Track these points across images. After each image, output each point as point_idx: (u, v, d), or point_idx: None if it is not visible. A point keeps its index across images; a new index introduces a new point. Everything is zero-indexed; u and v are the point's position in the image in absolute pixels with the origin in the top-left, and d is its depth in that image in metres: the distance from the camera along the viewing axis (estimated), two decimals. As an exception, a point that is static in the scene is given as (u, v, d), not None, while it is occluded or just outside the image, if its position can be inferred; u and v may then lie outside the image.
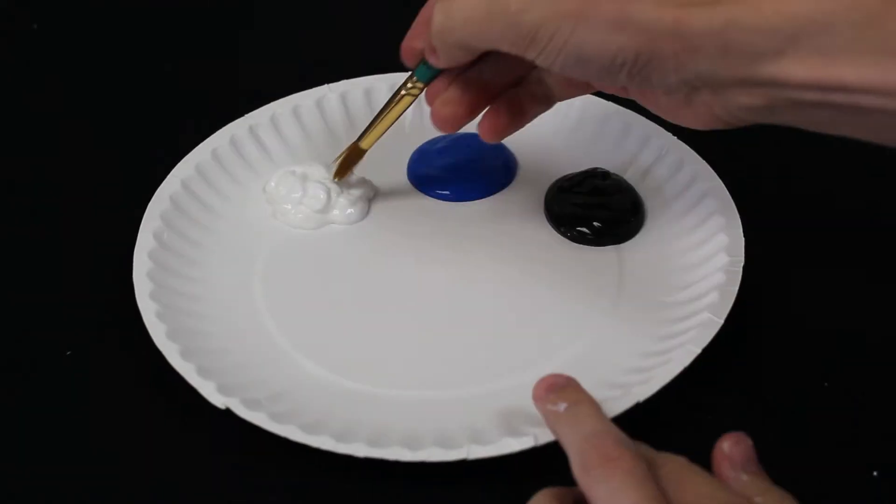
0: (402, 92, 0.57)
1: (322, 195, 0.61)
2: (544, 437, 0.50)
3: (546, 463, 0.49)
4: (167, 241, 0.60)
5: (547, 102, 0.57)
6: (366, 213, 0.63)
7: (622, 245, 0.60)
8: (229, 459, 0.53)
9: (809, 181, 0.64)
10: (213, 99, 0.70)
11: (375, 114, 0.60)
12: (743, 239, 0.58)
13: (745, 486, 0.44)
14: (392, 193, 0.64)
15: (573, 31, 0.47)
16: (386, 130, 0.59)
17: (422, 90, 0.56)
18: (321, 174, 0.62)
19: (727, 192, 0.60)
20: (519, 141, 0.64)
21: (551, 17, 0.47)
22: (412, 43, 0.55)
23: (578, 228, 0.60)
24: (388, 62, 0.68)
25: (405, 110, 0.58)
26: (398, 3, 0.76)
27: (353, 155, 0.61)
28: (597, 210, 0.61)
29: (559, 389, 0.49)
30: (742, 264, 0.57)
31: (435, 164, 0.64)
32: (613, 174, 0.62)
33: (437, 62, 0.54)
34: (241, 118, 0.65)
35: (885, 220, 0.62)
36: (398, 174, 0.64)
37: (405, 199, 0.63)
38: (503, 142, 0.64)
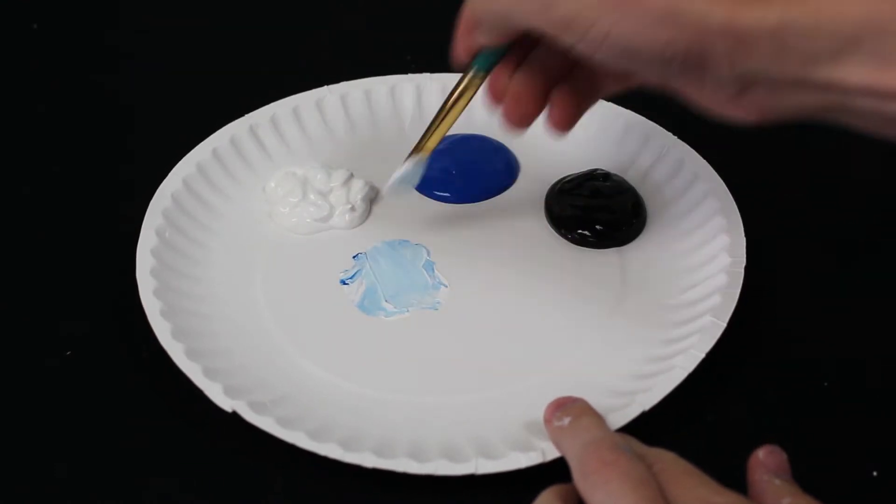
0: (464, 83, 0.54)
1: (323, 205, 0.61)
2: (552, 452, 0.50)
3: (551, 469, 0.49)
4: (169, 239, 0.60)
5: (592, 96, 0.54)
6: (367, 215, 0.63)
7: (623, 247, 0.60)
8: (231, 460, 0.53)
9: (811, 180, 0.64)
10: (214, 98, 0.70)
11: (434, 114, 0.57)
12: (745, 239, 0.58)
13: (776, 488, 0.45)
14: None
15: (616, 22, 0.44)
16: (449, 129, 0.57)
17: (482, 80, 0.54)
18: (322, 180, 0.62)
19: (728, 193, 0.60)
20: (519, 142, 0.64)
21: (590, 6, 0.45)
22: (462, 39, 0.52)
23: (579, 231, 0.60)
24: (387, 64, 0.68)
25: (468, 104, 0.55)
26: (398, 5, 0.77)
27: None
28: (598, 212, 0.61)
29: (565, 407, 0.50)
30: (744, 265, 0.57)
31: (435, 165, 0.64)
32: (614, 175, 0.62)
33: (481, 38, 0.51)
34: (242, 118, 0.65)
35: (887, 220, 0.62)
36: (398, 175, 0.64)
37: (405, 200, 0.63)
38: (504, 143, 0.64)
